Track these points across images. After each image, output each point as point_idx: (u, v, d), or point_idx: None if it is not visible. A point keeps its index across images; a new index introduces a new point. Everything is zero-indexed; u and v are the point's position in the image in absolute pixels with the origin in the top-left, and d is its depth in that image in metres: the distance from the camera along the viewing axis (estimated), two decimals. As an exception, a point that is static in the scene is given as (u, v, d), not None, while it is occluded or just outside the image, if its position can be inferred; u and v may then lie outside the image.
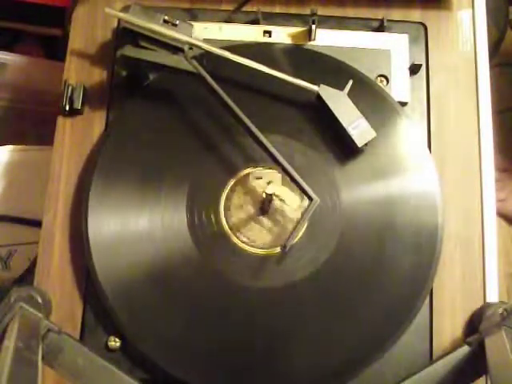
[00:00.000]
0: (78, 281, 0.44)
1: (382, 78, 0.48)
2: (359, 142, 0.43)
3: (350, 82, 0.44)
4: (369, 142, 0.43)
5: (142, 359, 0.42)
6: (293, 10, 0.50)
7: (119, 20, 0.48)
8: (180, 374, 0.41)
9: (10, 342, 0.32)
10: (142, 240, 0.43)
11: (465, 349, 0.39)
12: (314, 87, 0.44)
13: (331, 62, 0.47)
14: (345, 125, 0.43)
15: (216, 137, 0.45)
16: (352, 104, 0.44)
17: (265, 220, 0.44)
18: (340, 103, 0.44)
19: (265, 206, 0.43)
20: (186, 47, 0.44)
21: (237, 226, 0.44)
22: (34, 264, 0.46)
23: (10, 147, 0.60)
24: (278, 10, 0.50)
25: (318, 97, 0.44)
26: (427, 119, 0.47)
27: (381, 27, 0.49)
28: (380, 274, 0.42)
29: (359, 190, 0.44)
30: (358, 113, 0.44)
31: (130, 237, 0.43)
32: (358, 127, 0.43)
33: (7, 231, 0.58)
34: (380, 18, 0.49)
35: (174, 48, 0.44)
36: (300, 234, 0.43)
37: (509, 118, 0.83)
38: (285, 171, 0.42)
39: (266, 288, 0.42)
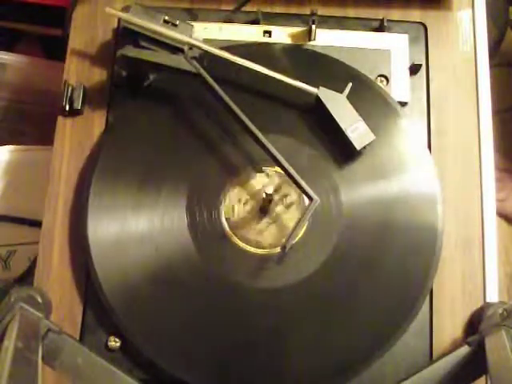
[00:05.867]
0: (78, 281, 0.44)
1: (382, 78, 0.48)
2: (358, 145, 0.43)
3: (350, 85, 0.44)
4: (368, 144, 0.44)
5: (142, 359, 0.42)
6: (293, 10, 0.50)
7: (119, 20, 0.48)
8: (180, 374, 0.41)
9: (10, 342, 0.32)
10: (142, 240, 0.43)
11: (465, 349, 0.39)
12: (314, 89, 0.44)
13: (331, 62, 0.47)
14: (344, 127, 0.43)
15: (216, 137, 0.45)
16: (351, 107, 0.44)
17: (265, 220, 0.44)
18: (339, 106, 0.44)
19: (265, 205, 0.43)
20: (186, 47, 0.44)
21: (237, 226, 0.44)
22: (34, 264, 0.46)
23: (10, 147, 0.60)
24: (278, 9, 0.50)
25: (318, 99, 0.44)
26: (427, 119, 0.47)
27: (381, 27, 0.49)
28: (380, 273, 0.43)
29: (359, 189, 0.44)
30: (357, 116, 0.44)
31: (130, 237, 0.43)
32: (356, 130, 0.43)
33: (7, 231, 0.58)
34: (380, 18, 0.49)
35: (174, 48, 0.44)
36: (300, 234, 0.43)
37: (509, 118, 0.83)
38: (285, 171, 0.42)
39: (266, 288, 0.42)
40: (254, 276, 0.43)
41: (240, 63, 0.44)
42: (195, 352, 0.41)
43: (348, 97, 0.44)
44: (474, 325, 0.42)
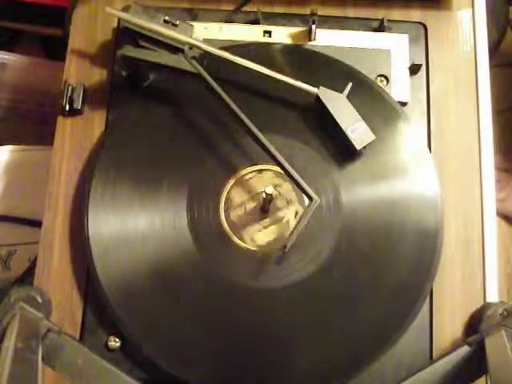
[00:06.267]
0: (78, 281, 0.44)
1: (382, 78, 0.48)
2: (358, 145, 0.43)
3: (350, 85, 0.44)
4: (368, 144, 0.44)
5: (142, 359, 0.42)
6: (293, 10, 0.50)
7: (119, 20, 0.48)
8: (180, 373, 0.41)
9: (10, 342, 0.32)
10: (142, 240, 0.43)
11: (465, 349, 0.39)
12: (314, 89, 0.44)
13: (331, 62, 0.47)
14: (344, 127, 0.43)
15: (216, 137, 0.45)
16: (351, 107, 0.44)
17: (265, 220, 0.44)
18: (339, 106, 0.44)
19: (265, 205, 0.43)
20: (186, 47, 0.44)
21: (237, 226, 0.44)
22: (34, 264, 0.46)
23: (9, 147, 0.60)
24: (277, 10, 0.50)
25: (318, 99, 0.44)
26: (427, 119, 0.47)
27: (381, 27, 0.49)
28: (380, 274, 0.42)
29: (359, 190, 0.44)
30: (358, 116, 0.44)
31: (130, 237, 0.43)
32: (356, 130, 0.43)
33: (7, 231, 0.58)
34: (380, 18, 0.49)
35: (174, 48, 0.44)
36: (300, 233, 0.43)
37: (509, 118, 0.83)
38: (285, 171, 0.42)
39: (266, 288, 0.42)
40: (253, 276, 0.43)
41: (240, 63, 0.44)
42: (195, 352, 0.41)
43: (348, 97, 0.44)
44: (474, 325, 0.42)
